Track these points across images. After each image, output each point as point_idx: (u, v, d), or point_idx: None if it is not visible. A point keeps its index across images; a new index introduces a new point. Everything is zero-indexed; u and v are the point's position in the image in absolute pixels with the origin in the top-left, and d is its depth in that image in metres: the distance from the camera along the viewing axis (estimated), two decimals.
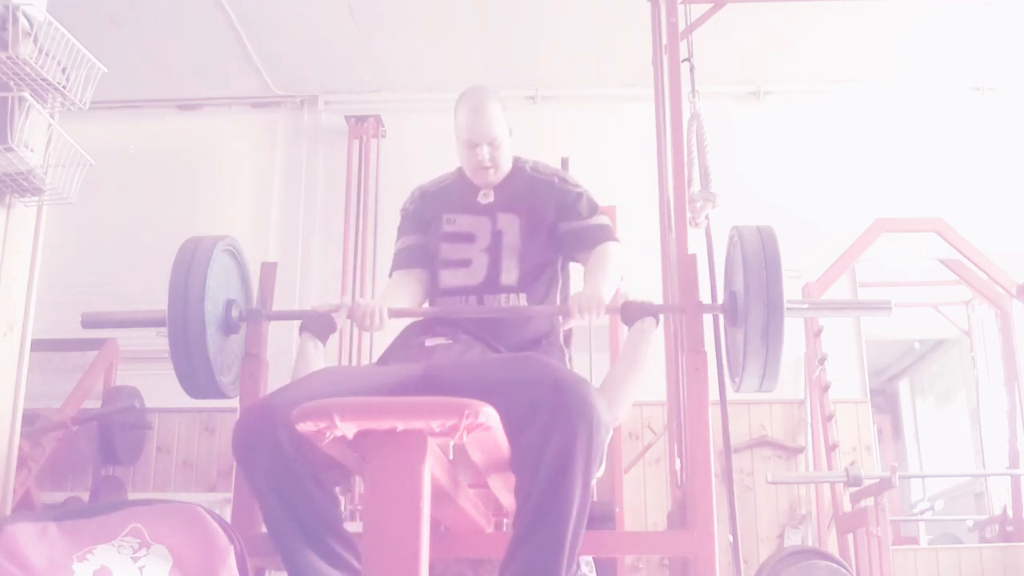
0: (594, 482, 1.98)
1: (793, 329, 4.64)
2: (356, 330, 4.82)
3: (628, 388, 2.30)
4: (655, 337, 2.35)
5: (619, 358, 2.41)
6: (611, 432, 2.04)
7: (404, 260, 2.56)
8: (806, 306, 2.34)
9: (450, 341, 2.28)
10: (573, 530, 1.86)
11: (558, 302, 2.50)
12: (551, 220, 2.49)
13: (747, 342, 2.22)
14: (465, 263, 2.45)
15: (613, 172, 5.10)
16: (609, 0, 4.63)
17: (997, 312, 5.05)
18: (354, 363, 4.80)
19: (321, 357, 2.34)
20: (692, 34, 3.36)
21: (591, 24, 4.91)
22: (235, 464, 1.97)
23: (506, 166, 2.51)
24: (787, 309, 2.19)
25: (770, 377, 2.25)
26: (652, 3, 3.54)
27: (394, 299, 2.45)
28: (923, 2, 4.73)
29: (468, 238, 2.46)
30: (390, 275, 2.59)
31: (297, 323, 2.39)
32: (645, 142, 3.54)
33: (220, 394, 2.33)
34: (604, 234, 2.51)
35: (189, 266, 2.26)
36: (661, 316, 2.40)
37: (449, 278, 2.46)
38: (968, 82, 5.43)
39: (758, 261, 2.22)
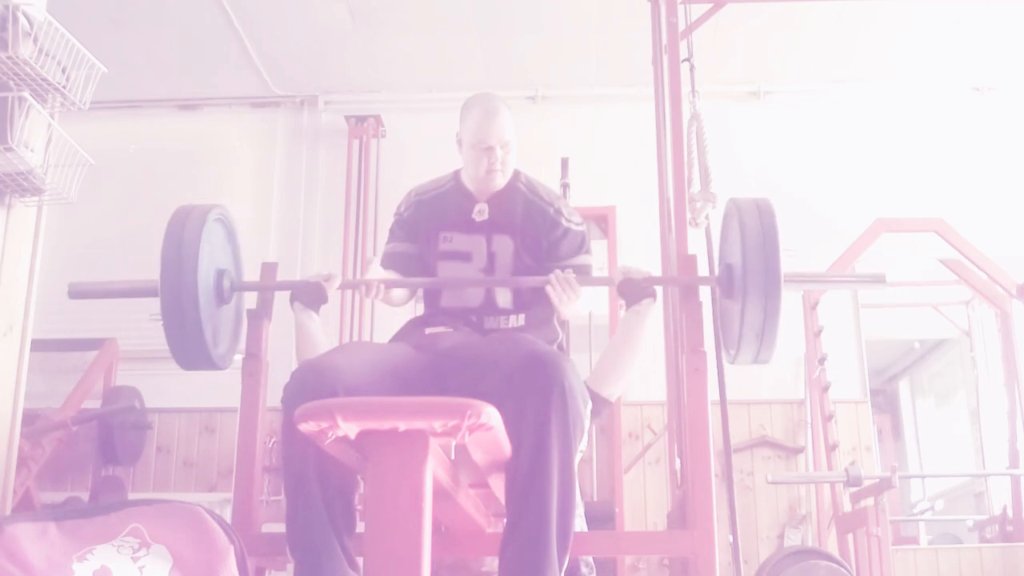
0: (577, 456, 2.02)
1: (793, 330, 4.70)
2: (356, 305, 4.83)
3: (624, 365, 2.34)
4: (653, 312, 2.36)
5: (617, 334, 2.42)
6: (589, 404, 2.09)
7: (392, 264, 2.55)
8: (801, 279, 2.36)
9: (451, 329, 2.35)
10: (559, 503, 1.89)
11: (556, 326, 2.49)
12: (544, 248, 2.47)
13: (744, 315, 2.21)
14: None
15: (613, 172, 5.10)
16: (609, 0, 4.63)
17: (997, 312, 5.05)
18: (356, 335, 4.82)
19: (319, 326, 2.35)
20: (692, 34, 3.36)
21: (591, 24, 4.91)
22: (280, 417, 1.94)
23: (511, 173, 2.51)
24: (784, 282, 2.17)
25: (766, 349, 2.24)
26: (652, 3, 3.54)
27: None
28: (923, 2, 4.73)
29: (465, 257, 2.46)
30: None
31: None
32: (645, 142, 3.55)
33: (212, 365, 2.29)
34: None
35: (181, 235, 2.19)
36: (660, 292, 2.40)
37: (449, 299, 2.47)
38: (968, 82, 5.42)
39: (756, 234, 2.20)
